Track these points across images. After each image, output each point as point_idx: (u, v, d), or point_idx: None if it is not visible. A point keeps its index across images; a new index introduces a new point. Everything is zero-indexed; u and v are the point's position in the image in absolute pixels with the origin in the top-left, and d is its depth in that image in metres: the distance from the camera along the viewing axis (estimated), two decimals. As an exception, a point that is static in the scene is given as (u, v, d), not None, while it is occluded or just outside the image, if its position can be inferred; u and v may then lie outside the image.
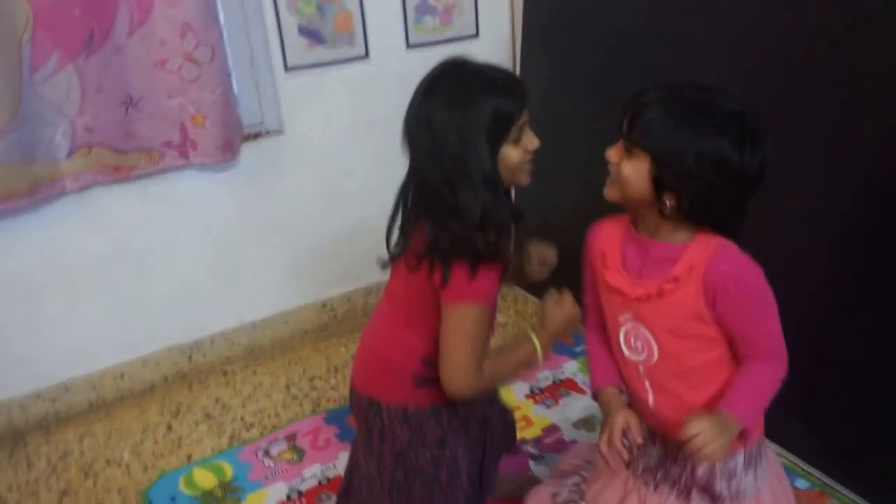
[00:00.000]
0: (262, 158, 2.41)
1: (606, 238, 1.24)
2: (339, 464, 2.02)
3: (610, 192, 1.17)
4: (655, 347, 1.19)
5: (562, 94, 2.47)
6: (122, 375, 2.37)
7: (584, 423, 2.08)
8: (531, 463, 1.95)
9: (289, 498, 1.94)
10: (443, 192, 1.18)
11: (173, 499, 1.98)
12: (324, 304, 2.68)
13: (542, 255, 1.47)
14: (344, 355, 2.54)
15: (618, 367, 1.30)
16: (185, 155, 2.23)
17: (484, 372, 1.25)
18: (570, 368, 2.36)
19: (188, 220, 2.34)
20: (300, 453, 2.10)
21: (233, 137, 2.26)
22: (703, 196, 1.07)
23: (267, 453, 2.12)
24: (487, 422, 1.50)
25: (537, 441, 2.05)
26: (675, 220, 1.12)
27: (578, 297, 1.35)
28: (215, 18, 2.14)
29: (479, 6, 2.64)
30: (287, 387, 2.39)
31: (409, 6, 2.50)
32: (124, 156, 2.15)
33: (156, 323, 2.39)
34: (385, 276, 1.36)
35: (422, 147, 1.20)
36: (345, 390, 2.33)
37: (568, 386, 2.28)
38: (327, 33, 2.40)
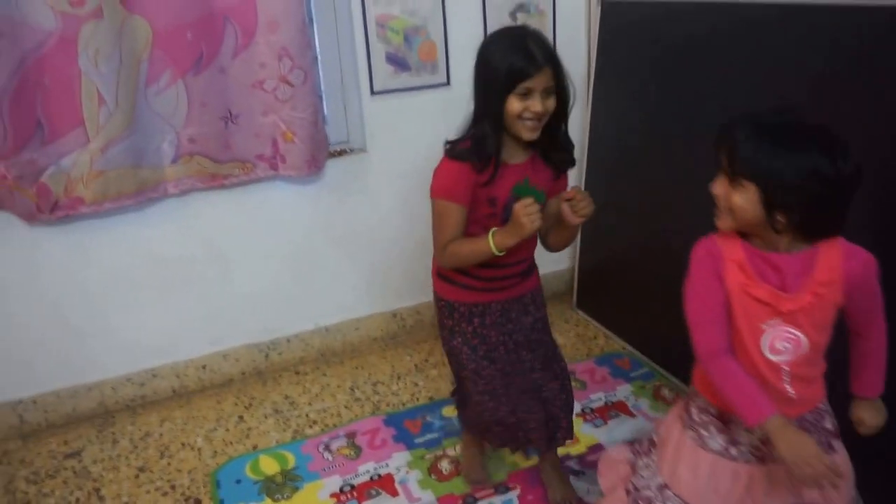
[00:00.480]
0: (346, 174, 2.58)
1: (730, 253, 1.32)
2: (392, 463, 2.15)
3: (723, 223, 1.31)
4: (806, 342, 1.30)
5: (629, 129, 2.56)
6: (204, 367, 2.57)
7: (631, 446, 2.12)
8: (572, 478, 2.01)
9: (342, 490, 2.07)
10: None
11: (239, 481, 2.14)
12: (394, 314, 2.82)
13: (565, 196, 1.64)
14: (408, 364, 2.66)
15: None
16: (274, 167, 2.43)
17: (447, 251, 1.65)
18: (623, 392, 2.42)
19: (274, 228, 2.53)
20: (357, 450, 2.23)
21: (318, 153, 2.44)
22: (810, 208, 1.20)
23: (327, 448, 2.25)
24: (510, 333, 1.81)
25: (581, 458, 2.11)
26: (789, 233, 1.25)
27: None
28: (310, 45, 2.33)
29: (557, 42, 2.76)
30: (352, 389, 2.53)
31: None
32: (221, 165, 2.36)
33: (238, 321, 2.58)
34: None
35: (474, 79, 1.63)
36: (405, 396, 2.46)
37: (619, 408, 2.34)
38: (412, 62, 2.56)
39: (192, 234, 2.43)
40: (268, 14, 2.24)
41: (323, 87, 2.52)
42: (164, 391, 2.54)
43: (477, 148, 1.58)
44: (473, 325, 1.78)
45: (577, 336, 2.77)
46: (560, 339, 2.60)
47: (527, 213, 1.51)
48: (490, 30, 2.63)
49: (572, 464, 2.08)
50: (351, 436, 2.30)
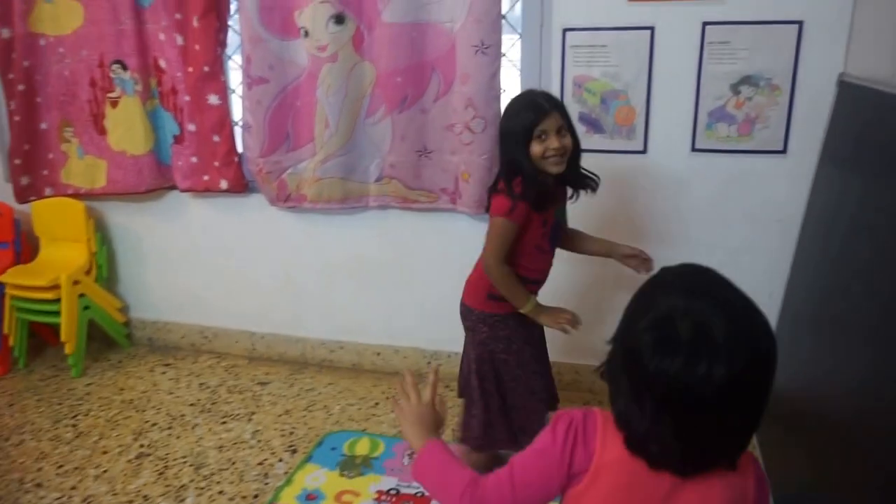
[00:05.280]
0: (524, 220, 2.72)
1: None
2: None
3: None
4: None
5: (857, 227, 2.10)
6: (379, 354, 3.05)
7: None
8: None
9: (388, 491, 2.32)
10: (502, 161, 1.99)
11: (334, 448, 2.56)
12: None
13: (631, 252, 2.17)
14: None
15: None
16: (454, 201, 2.73)
17: (504, 269, 1.96)
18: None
19: (451, 252, 2.81)
20: (427, 468, 2.43)
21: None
22: None
23: (411, 454, 2.48)
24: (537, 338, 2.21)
25: None
26: None
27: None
28: (496, 98, 2.55)
29: (791, 123, 2.39)
30: (472, 418, 2.70)
31: (701, 110, 2.45)
32: (411, 191, 2.76)
33: (411, 324, 2.98)
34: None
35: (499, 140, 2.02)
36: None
37: None
38: (607, 124, 2.55)
39: (387, 241, 2.90)
40: (463, 67, 2.54)
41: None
42: (346, 362, 3.10)
43: (531, 187, 1.89)
44: (523, 332, 2.10)
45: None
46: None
47: (558, 322, 2.00)
48: (703, 101, 2.45)
49: None
50: (436, 453, 2.51)
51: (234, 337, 3.23)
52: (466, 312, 2.16)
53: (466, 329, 2.18)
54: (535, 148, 1.86)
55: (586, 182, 2.05)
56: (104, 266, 3.16)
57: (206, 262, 3.16)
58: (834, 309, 1.63)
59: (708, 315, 0.92)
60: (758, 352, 0.93)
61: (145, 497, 2.31)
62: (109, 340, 3.30)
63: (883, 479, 1.34)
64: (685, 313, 0.93)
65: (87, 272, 3.09)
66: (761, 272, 2.47)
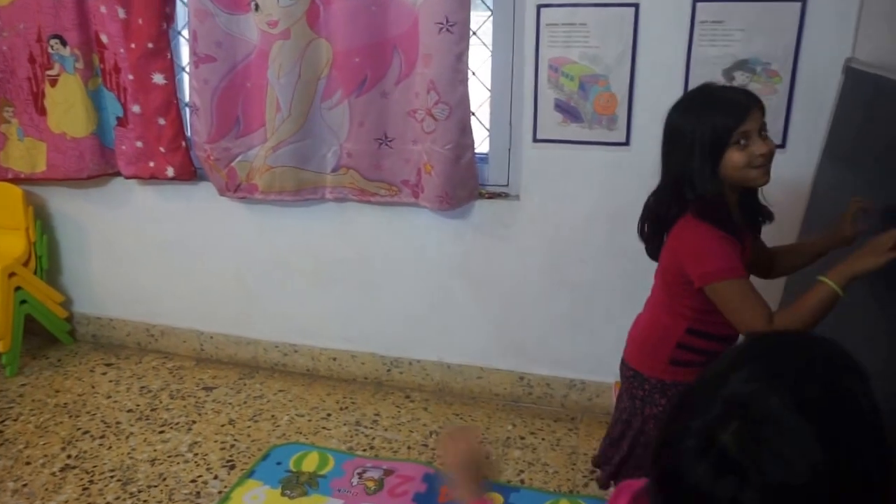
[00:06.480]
0: (494, 219, 2.48)
1: None
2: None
3: None
4: None
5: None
6: (335, 359, 2.80)
7: None
8: None
9: (331, 515, 2.09)
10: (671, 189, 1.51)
11: (279, 463, 2.32)
12: (521, 377, 2.60)
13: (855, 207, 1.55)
14: (503, 432, 2.45)
15: None
16: (416, 195, 2.48)
17: (779, 321, 1.39)
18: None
19: (416, 252, 2.58)
20: (378, 488, 2.20)
21: (455, 191, 2.39)
22: None
23: (360, 473, 2.27)
24: None
25: None
26: None
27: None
28: (462, 82, 2.29)
29: (791, 114, 2.13)
30: (432, 434, 2.46)
31: (690, 99, 2.19)
32: (370, 182, 2.51)
33: (370, 328, 2.73)
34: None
35: (664, 150, 1.53)
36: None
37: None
38: (586, 113, 2.29)
39: (345, 237, 2.65)
40: (425, 47, 2.29)
41: (489, 127, 2.45)
42: (300, 367, 2.86)
43: (721, 215, 1.45)
44: None
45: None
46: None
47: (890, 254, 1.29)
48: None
49: None
50: (388, 473, 2.27)
51: (181, 336, 2.99)
52: (637, 380, 1.67)
53: (634, 397, 1.69)
54: (735, 157, 1.42)
55: (764, 210, 1.61)
56: (44, 257, 2.92)
57: (153, 255, 2.91)
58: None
59: None
60: None
61: (61, 517, 2.09)
62: (51, 336, 3.07)
63: None
64: None
65: (25, 263, 2.85)
66: (755, 279, 2.22)
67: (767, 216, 1.61)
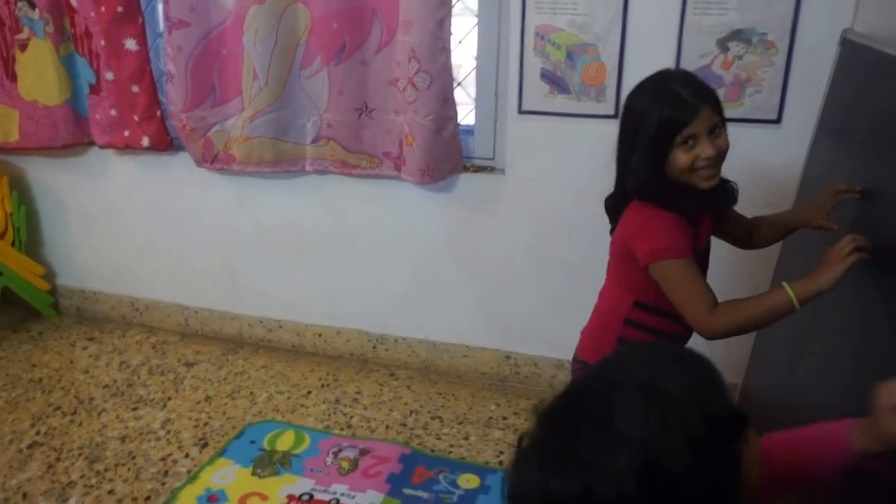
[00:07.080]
0: (479, 193, 2.39)
1: None
2: (363, 498, 2.03)
3: None
4: None
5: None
6: (320, 335, 2.74)
7: None
8: None
9: (300, 497, 2.04)
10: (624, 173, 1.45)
11: (253, 442, 2.28)
12: (507, 357, 2.54)
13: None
14: (485, 412, 2.40)
15: None
16: (398, 168, 2.39)
17: (720, 311, 1.31)
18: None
19: (400, 226, 2.50)
20: (353, 468, 2.15)
21: (438, 164, 2.30)
22: None
23: (336, 453, 2.22)
24: None
25: None
26: None
27: None
28: (443, 50, 2.19)
29: (788, 88, 2.01)
30: (412, 413, 2.41)
31: (684, 67, 2.07)
32: (351, 154, 2.42)
33: (355, 304, 2.66)
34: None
35: (618, 136, 1.45)
36: (447, 443, 2.25)
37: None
38: (573, 83, 2.18)
39: (326, 210, 2.57)
40: (405, 12, 2.18)
41: (475, 98, 2.34)
42: (285, 343, 2.80)
43: (668, 196, 1.39)
44: None
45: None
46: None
47: (848, 258, 1.21)
48: (685, 59, 2.08)
49: None
50: (363, 452, 2.22)
51: (166, 311, 2.93)
52: (579, 368, 1.67)
53: None
54: (680, 158, 1.34)
55: (728, 194, 1.52)
56: (22, 228, 2.86)
57: (134, 227, 2.84)
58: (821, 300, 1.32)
59: None
60: None
61: (24, 495, 2.03)
62: (34, 309, 3.02)
63: None
64: None
65: (2, 235, 2.80)
66: (750, 262, 2.13)
67: (731, 196, 1.51)
